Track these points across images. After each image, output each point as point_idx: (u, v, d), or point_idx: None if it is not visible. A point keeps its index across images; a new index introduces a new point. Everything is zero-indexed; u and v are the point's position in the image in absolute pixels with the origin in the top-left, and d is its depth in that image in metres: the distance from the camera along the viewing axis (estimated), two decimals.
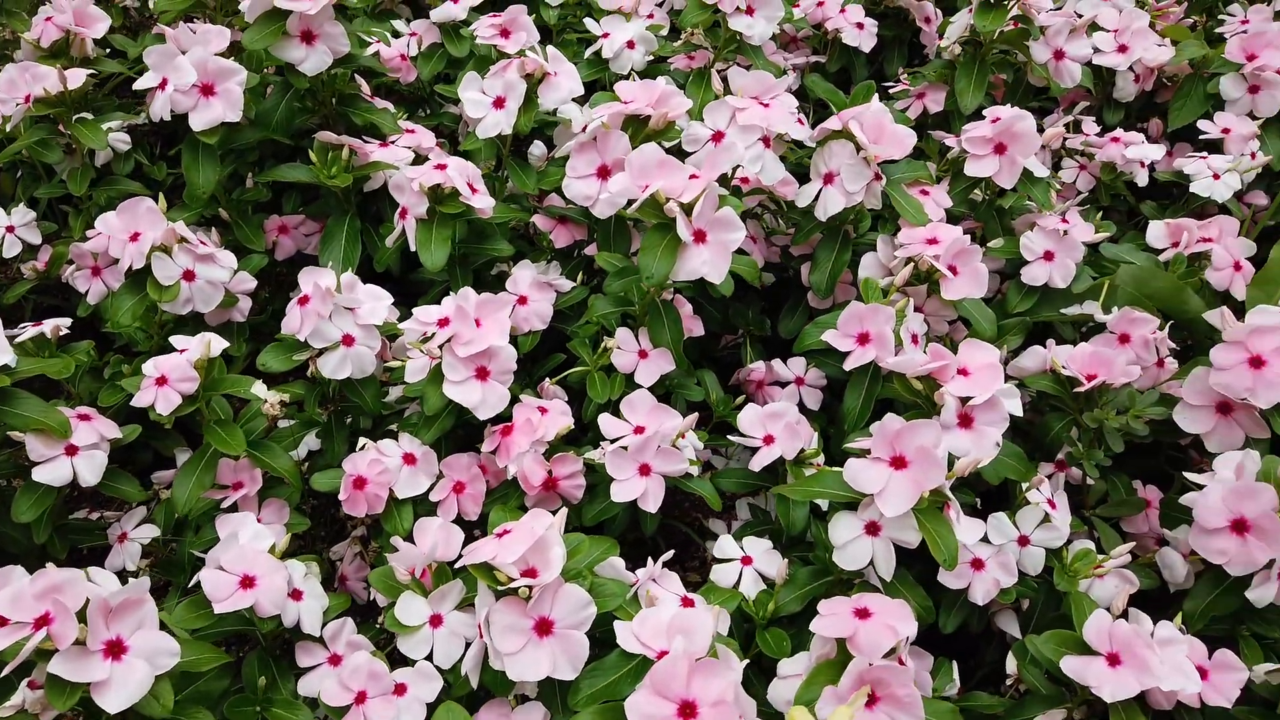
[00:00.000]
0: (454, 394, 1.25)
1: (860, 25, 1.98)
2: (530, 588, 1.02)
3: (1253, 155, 1.87)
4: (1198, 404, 1.35)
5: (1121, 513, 1.45)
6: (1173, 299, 1.58)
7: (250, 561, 1.14)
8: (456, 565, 1.10)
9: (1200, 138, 1.90)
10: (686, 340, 1.51)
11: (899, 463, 1.10)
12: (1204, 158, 1.83)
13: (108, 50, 1.80)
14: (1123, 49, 1.94)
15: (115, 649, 0.96)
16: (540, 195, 1.68)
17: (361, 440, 1.31)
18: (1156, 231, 1.71)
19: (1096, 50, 1.92)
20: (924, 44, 2.13)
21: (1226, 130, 1.88)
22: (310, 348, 1.33)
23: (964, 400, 1.23)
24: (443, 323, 1.28)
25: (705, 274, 1.24)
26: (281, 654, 1.24)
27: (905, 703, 0.99)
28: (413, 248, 1.46)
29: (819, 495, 1.16)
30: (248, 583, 1.13)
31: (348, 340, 1.33)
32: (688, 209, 1.23)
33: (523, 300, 1.48)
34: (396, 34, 1.91)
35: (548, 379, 1.42)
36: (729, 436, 1.35)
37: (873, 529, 1.12)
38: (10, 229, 1.65)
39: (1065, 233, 1.55)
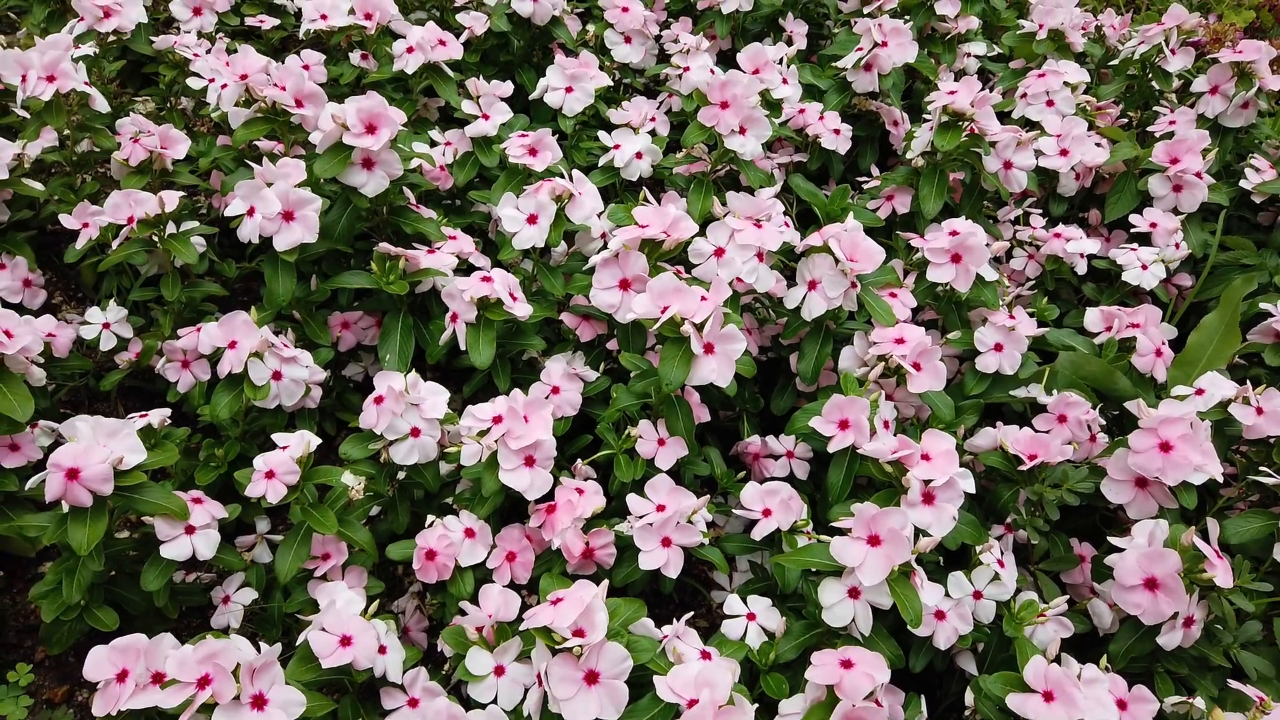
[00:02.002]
0: (508, 480, 1.51)
1: (837, 131, 2.27)
2: (582, 647, 1.29)
3: (1177, 245, 2.17)
4: (1120, 479, 1.64)
5: (1060, 568, 1.73)
6: (1105, 380, 1.88)
7: (347, 624, 1.40)
8: (519, 627, 1.36)
9: (1131, 230, 2.20)
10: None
11: (874, 540, 1.37)
12: (1134, 249, 2.13)
13: None
14: (1064, 152, 2.24)
15: (259, 702, 1.21)
16: (565, 296, 1.95)
17: (430, 518, 1.57)
18: (1092, 317, 2.00)
19: (1040, 154, 2.22)
20: (892, 143, 2.42)
21: (1154, 225, 2.18)
22: (383, 439, 1.59)
23: (926, 481, 1.51)
24: (496, 420, 1.54)
25: (713, 379, 1.52)
26: (365, 697, 1.49)
27: None
28: (462, 347, 1.73)
29: (810, 564, 1.43)
30: (346, 641, 1.38)
31: (415, 432, 1.59)
32: (699, 327, 1.51)
33: (555, 390, 1.75)
34: (433, 143, 2.17)
35: (580, 460, 1.68)
36: (734, 511, 1.62)
37: (854, 593, 1.40)
38: (106, 325, 1.90)
39: (1012, 328, 1.83)
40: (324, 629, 1.39)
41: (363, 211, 1.88)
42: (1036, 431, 1.68)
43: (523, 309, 1.72)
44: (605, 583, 1.35)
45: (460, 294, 1.71)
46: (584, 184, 1.85)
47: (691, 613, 1.46)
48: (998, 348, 1.85)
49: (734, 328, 1.53)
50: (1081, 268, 2.16)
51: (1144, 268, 2.09)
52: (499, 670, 1.41)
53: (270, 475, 1.47)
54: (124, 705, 1.20)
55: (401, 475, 1.70)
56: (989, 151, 2.05)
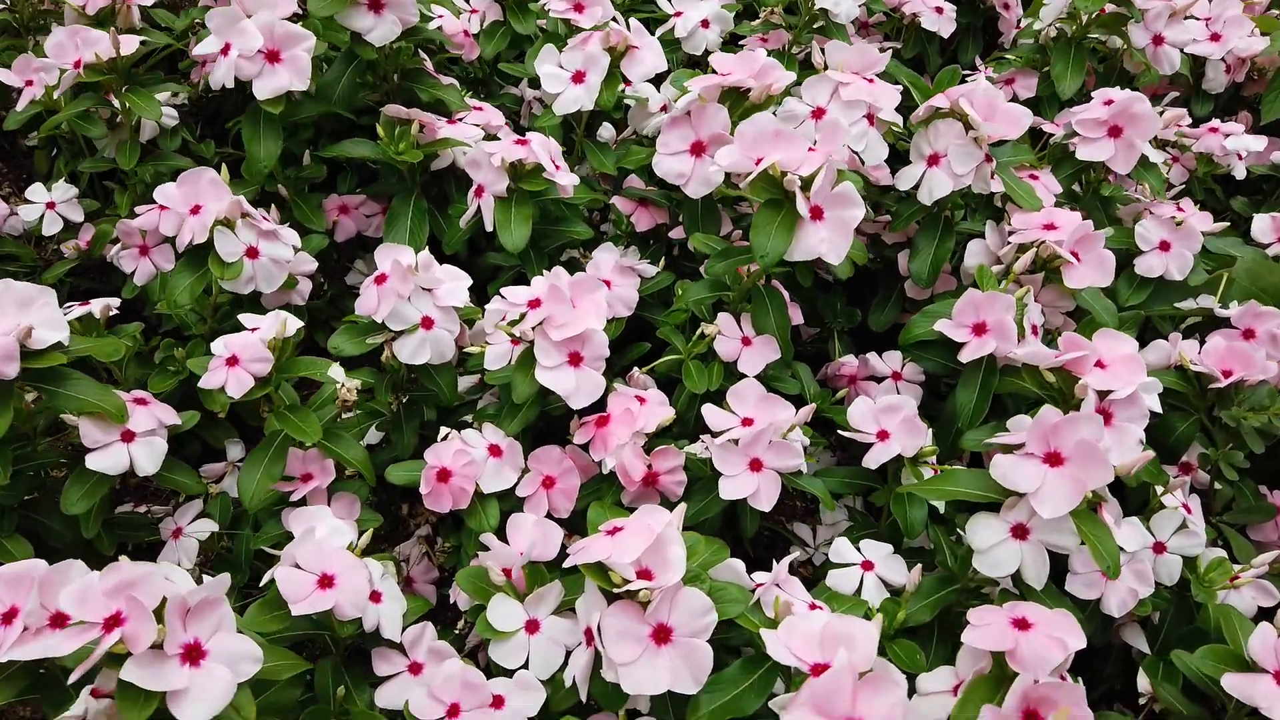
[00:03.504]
0: (547, 380, 1.14)
1: (939, 9, 1.89)
2: (651, 591, 0.92)
3: None
4: None
5: (1250, 520, 1.35)
6: None
7: (329, 560, 1.03)
8: (562, 564, 0.99)
9: None
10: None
11: (1054, 459, 0.99)
12: None
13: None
14: (1215, 38, 1.85)
15: (193, 654, 0.85)
16: (615, 181, 1.58)
17: (444, 430, 1.20)
18: (1262, 224, 1.62)
19: (1192, 39, 1.83)
20: (1000, 31, 2.04)
21: None
22: (386, 330, 1.23)
23: (1102, 395, 1.13)
24: (534, 304, 1.18)
25: (823, 253, 1.14)
26: (353, 661, 1.13)
27: None
28: (489, 227, 1.36)
29: (956, 495, 1.05)
30: (326, 582, 1.02)
31: (427, 323, 1.22)
32: (806, 184, 1.14)
33: (606, 284, 1.38)
34: (456, 11, 1.81)
35: (637, 369, 1.31)
36: (840, 433, 1.24)
37: (1020, 532, 1.02)
38: (51, 205, 1.55)
39: (1180, 222, 1.45)
40: (297, 564, 1.03)
41: (368, 69, 1.52)
42: (1231, 342, 1.30)
43: (566, 178, 1.35)
44: (681, 509, 0.98)
45: (488, 159, 1.34)
46: (643, 35, 1.48)
47: (794, 554, 1.09)
48: (1164, 247, 1.46)
49: (850, 187, 1.16)
50: (1240, 171, 1.77)
51: None
52: (532, 625, 1.05)
53: (233, 362, 1.11)
54: (7, 655, 0.83)
55: (407, 396, 1.34)
56: (1138, 19, 1.66)
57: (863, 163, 1.50)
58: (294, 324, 1.14)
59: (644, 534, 0.95)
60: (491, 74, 1.86)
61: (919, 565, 1.08)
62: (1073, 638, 0.91)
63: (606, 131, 1.69)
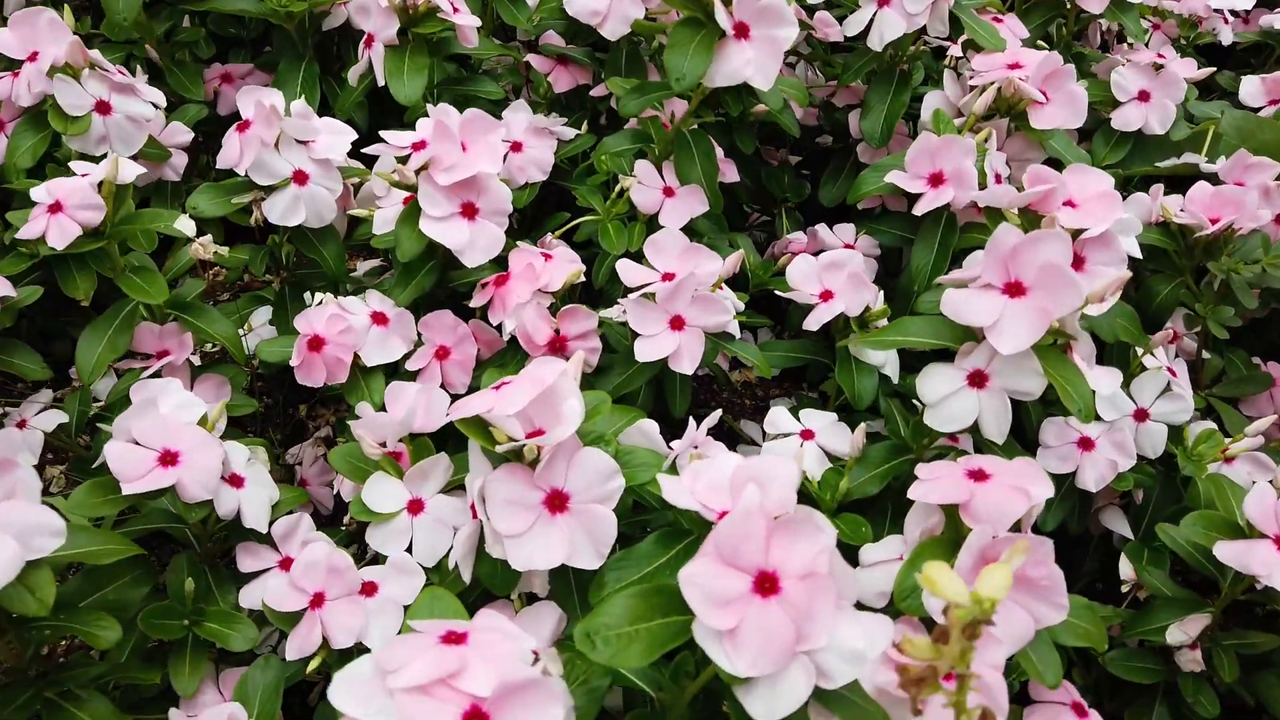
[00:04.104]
0: (434, 232, 0.99)
1: None
2: (539, 448, 0.77)
3: None
4: None
5: (1243, 391, 1.21)
6: None
7: (173, 434, 0.88)
8: (450, 423, 0.84)
9: None
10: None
11: (1015, 289, 0.84)
12: None
13: None
14: None
15: None
16: (533, 42, 1.41)
17: (318, 295, 1.04)
18: (1251, 88, 1.47)
19: None
20: None
21: None
22: (254, 188, 1.06)
23: (1074, 236, 0.98)
24: (418, 146, 1.01)
25: (749, 76, 0.99)
26: (223, 561, 0.98)
27: (1043, 586, 0.75)
28: (380, 80, 1.19)
29: (905, 343, 0.91)
30: (169, 459, 0.86)
31: (300, 178, 1.06)
32: None
33: (517, 147, 1.22)
34: None
35: (550, 234, 1.16)
36: (778, 293, 1.09)
37: (978, 380, 0.87)
38: None
39: (1161, 68, 1.30)
40: (134, 439, 0.87)
41: None
42: (1218, 188, 1.15)
43: (467, 19, 1.18)
44: (579, 357, 0.83)
45: (375, 2, 1.17)
46: None
47: (718, 412, 0.94)
48: (1143, 97, 1.31)
49: (780, 2, 0.99)
50: (1227, 35, 1.62)
51: None
52: (415, 505, 0.90)
53: (56, 209, 0.94)
54: None
55: (293, 265, 1.18)
56: None
57: (810, 16, 1.35)
58: (131, 169, 0.97)
59: (533, 385, 0.79)
60: None
61: (862, 426, 0.93)
62: (1037, 486, 0.76)
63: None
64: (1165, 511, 1.11)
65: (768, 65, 1.00)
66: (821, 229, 1.31)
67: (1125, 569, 1.05)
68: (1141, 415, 1.07)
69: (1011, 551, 0.61)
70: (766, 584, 0.63)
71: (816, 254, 1.31)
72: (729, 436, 1.39)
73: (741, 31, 0.99)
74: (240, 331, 1.32)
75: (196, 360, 1.11)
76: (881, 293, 1.11)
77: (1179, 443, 1.09)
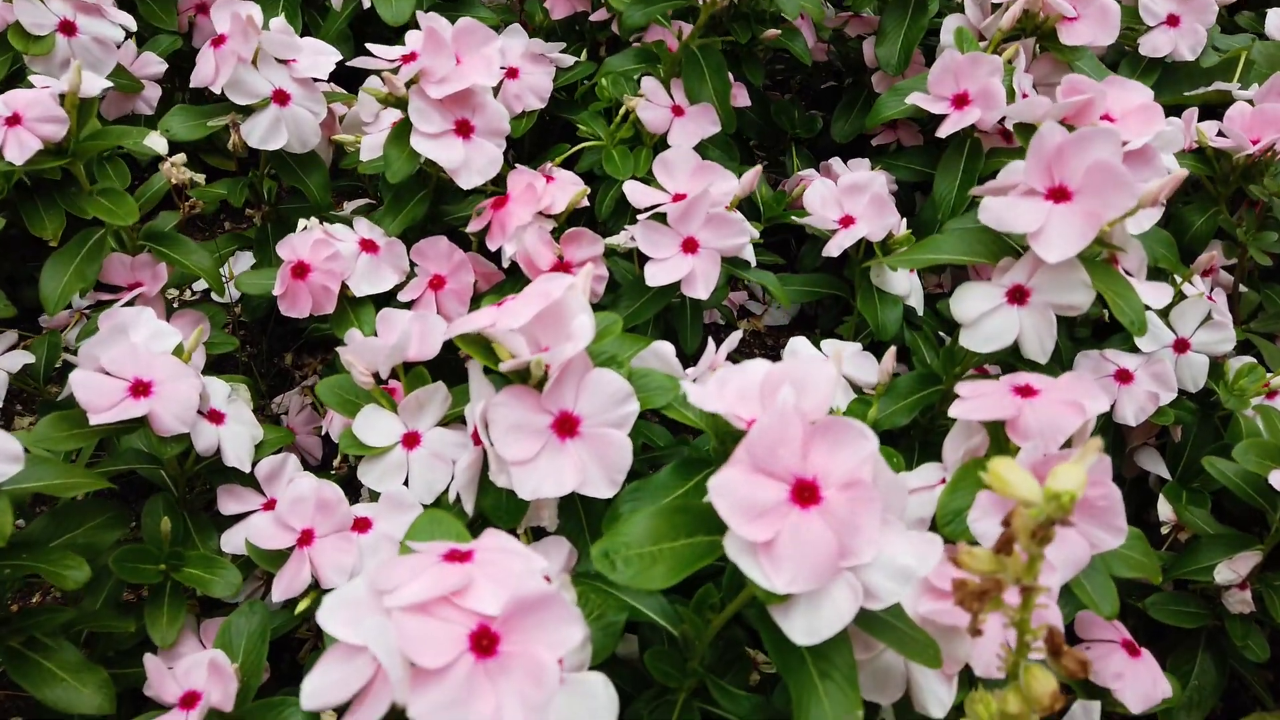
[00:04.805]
0: (426, 148, 0.91)
1: None
2: (545, 366, 0.70)
3: None
4: None
5: None
6: None
7: (145, 363, 0.81)
8: (446, 355, 0.77)
9: None
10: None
11: (1060, 194, 0.78)
12: None
13: None
14: None
15: None
16: None
17: (303, 221, 0.97)
18: (1277, 19, 1.40)
19: None
20: None
21: None
22: (231, 109, 0.99)
23: None
24: (408, 58, 0.94)
25: None
26: (204, 508, 0.91)
27: (1101, 508, 0.69)
28: (366, 3, 1.12)
29: (936, 260, 0.84)
30: (141, 389, 0.79)
31: (281, 97, 0.98)
32: None
33: (513, 73, 1.15)
34: None
35: (550, 163, 1.08)
36: (794, 219, 1.03)
37: (1018, 296, 0.81)
38: None
39: None
40: (102, 367, 0.80)
41: None
42: (1260, 105, 1.09)
43: None
44: (589, 267, 0.76)
45: None
46: None
47: (738, 332, 0.87)
48: (1171, 21, 1.24)
49: None
50: None
51: None
52: (410, 439, 0.83)
53: (14, 121, 0.87)
54: None
55: (275, 199, 1.10)
56: None
57: None
58: (97, 82, 0.90)
59: (539, 299, 0.72)
60: None
61: (891, 350, 0.86)
62: (1091, 400, 0.70)
63: None
64: (1205, 450, 1.05)
65: None
66: (835, 163, 1.25)
67: (1165, 510, 0.99)
68: (1182, 346, 1.00)
69: (1085, 449, 0.55)
70: (806, 493, 0.56)
71: None
72: None
73: None
74: (222, 273, 1.25)
75: (174, 297, 1.04)
76: (903, 221, 1.05)
77: (1219, 378, 1.03)
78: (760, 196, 1.16)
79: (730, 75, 1.12)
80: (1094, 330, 1.15)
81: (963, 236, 0.84)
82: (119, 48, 1.09)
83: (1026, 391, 0.72)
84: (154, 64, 1.19)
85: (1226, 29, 1.63)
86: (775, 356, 1.39)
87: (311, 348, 1.27)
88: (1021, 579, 0.51)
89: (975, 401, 0.72)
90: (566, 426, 0.71)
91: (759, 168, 0.94)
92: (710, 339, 0.91)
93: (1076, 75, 0.94)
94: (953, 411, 0.72)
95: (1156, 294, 0.92)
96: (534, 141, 1.19)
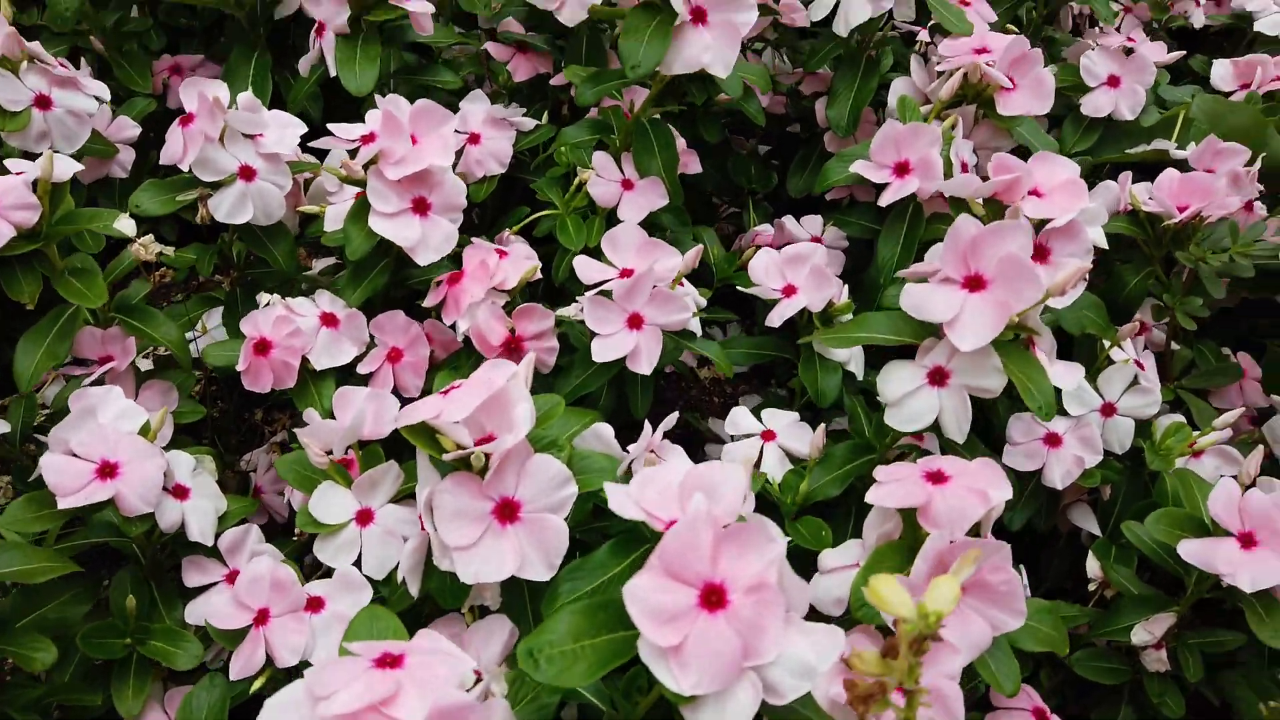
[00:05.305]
0: (383, 228, 0.96)
1: None
2: (487, 455, 0.74)
3: None
4: None
5: (1213, 383, 1.20)
6: (1253, 137, 1.31)
7: (112, 444, 0.85)
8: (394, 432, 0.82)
9: None
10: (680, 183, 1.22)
11: (975, 283, 0.82)
12: None
13: None
14: None
15: None
16: (493, 30, 1.38)
17: (265, 296, 1.01)
18: (1222, 71, 1.45)
19: None
20: None
21: None
22: (199, 185, 1.03)
23: (1038, 227, 0.96)
24: (367, 139, 0.98)
25: (707, 63, 0.96)
26: (170, 575, 0.95)
27: (1001, 592, 0.73)
28: (332, 72, 1.16)
29: (863, 340, 0.88)
30: (108, 471, 0.84)
31: (247, 173, 1.02)
32: None
33: (474, 139, 1.19)
34: None
35: (508, 230, 1.13)
36: (739, 288, 1.07)
37: (938, 377, 0.85)
38: None
39: (1131, 52, 1.28)
40: (71, 450, 0.84)
41: None
42: (1187, 174, 1.13)
43: (421, 5, 1.14)
44: (530, 359, 0.80)
45: None
46: None
47: (674, 415, 0.91)
48: (1112, 82, 1.29)
49: None
50: (1198, 18, 1.61)
51: None
52: (364, 516, 0.87)
53: None
54: None
55: (244, 264, 1.14)
56: None
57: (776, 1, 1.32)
58: (68, 166, 0.94)
59: (482, 388, 0.77)
60: None
61: (821, 427, 0.91)
62: (995, 488, 0.74)
63: None
64: (1133, 507, 1.09)
65: (726, 52, 0.97)
66: (788, 221, 1.29)
67: (1092, 567, 1.04)
68: (1109, 410, 1.05)
69: (961, 562, 0.59)
70: (713, 597, 0.60)
71: (782, 247, 1.30)
72: (696, 434, 1.37)
73: (699, 16, 0.97)
74: (194, 333, 1.29)
75: (148, 363, 1.08)
76: (846, 287, 1.09)
77: (1147, 437, 1.08)
78: (712, 257, 1.20)
79: (682, 143, 1.16)
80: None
81: (891, 317, 0.88)
82: (93, 117, 1.13)
83: (938, 478, 0.77)
84: (128, 128, 1.23)
85: (1175, 77, 1.68)
86: (732, 405, 1.43)
87: (282, 405, 1.32)
88: (904, 683, 0.56)
89: (889, 488, 0.77)
90: (507, 512, 0.75)
91: (699, 247, 0.98)
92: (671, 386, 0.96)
93: (1004, 155, 0.98)
94: (869, 497, 0.77)
95: (1069, 374, 0.96)
96: (496, 203, 1.24)
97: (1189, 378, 1.19)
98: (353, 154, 0.99)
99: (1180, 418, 1.10)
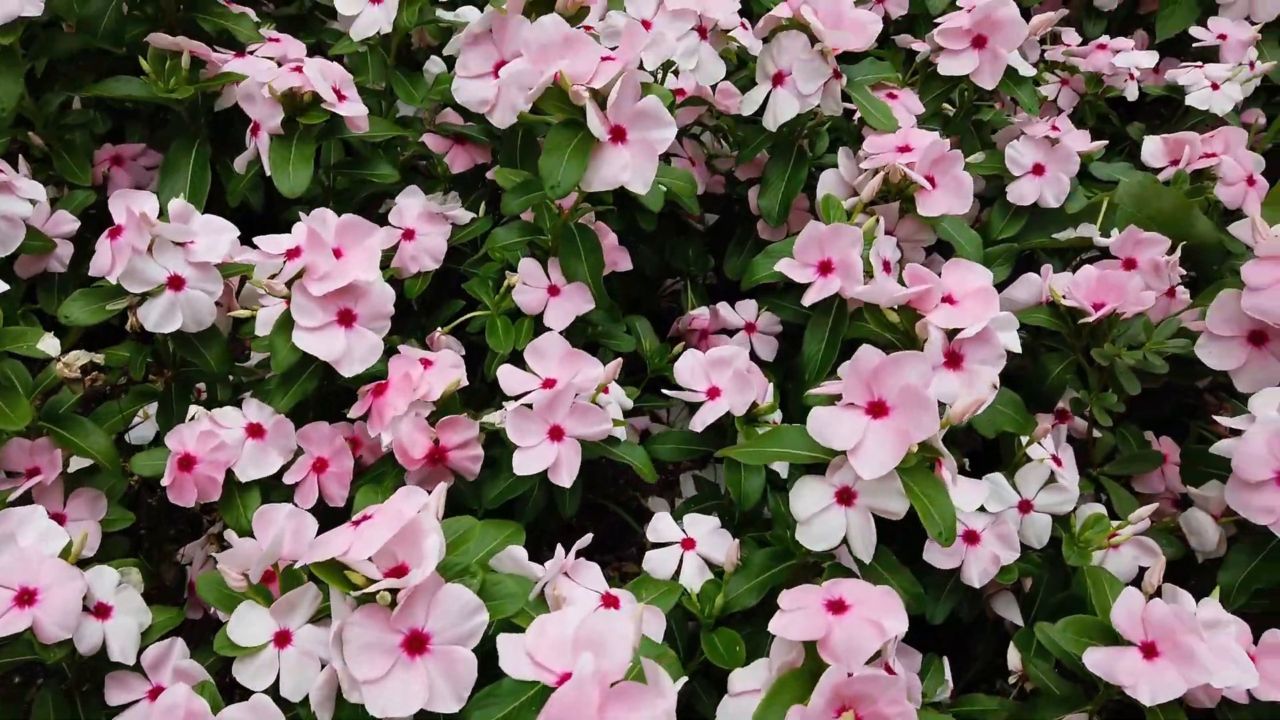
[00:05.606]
0: (307, 343, 0.97)
1: None
2: (394, 591, 0.76)
3: (1251, 65, 1.65)
4: (1225, 334, 1.12)
5: (1135, 470, 1.22)
6: (1178, 220, 1.35)
7: (33, 569, 0.86)
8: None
9: (1194, 45, 1.68)
10: (614, 280, 1.25)
11: (878, 409, 0.84)
12: (1199, 67, 1.61)
13: None
14: None
15: None
16: (434, 117, 1.40)
17: (192, 409, 1.02)
18: (1152, 148, 1.48)
19: None
20: None
21: (1222, 36, 1.66)
22: (128, 294, 1.04)
23: (951, 335, 0.99)
24: (292, 254, 1.00)
25: (626, 181, 0.98)
26: (95, 692, 0.96)
27: None
28: (268, 172, 1.17)
29: (777, 457, 0.91)
30: (26, 598, 0.85)
31: (176, 283, 1.04)
32: (601, 98, 0.97)
33: (409, 234, 1.21)
34: None
35: (439, 330, 1.14)
36: (664, 392, 1.09)
37: (846, 497, 0.87)
38: None
39: (1056, 141, 1.31)
40: None
41: None
42: (1103, 271, 1.16)
43: (354, 108, 1.16)
44: (441, 489, 0.82)
45: (259, 90, 1.15)
46: None
47: (589, 537, 0.93)
48: (1037, 170, 1.32)
49: (656, 102, 0.99)
50: (1132, 92, 1.64)
51: (1214, 88, 1.57)
52: (282, 638, 0.88)
53: None
54: None
55: (179, 361, 1.15)
56: None
57: (713, 90, 1.34)
58: None
59: (392, 521, 0.78)
60: (313, 7, 1.66)
61: (736, 541, 0.93)
62: (891, 620, 0.76)
63: (436, 66, 1.51)
64: (1054, 598, 1.12)
65: (644, 169, 0.99)
66: (722, 308, 1.31)
67: (1013, 659, 1.06)
68: (1026, 507, 1.07)
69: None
70: None
71: (718, 332, 1.32)
72: (637, 514, 1.39)
73: (618, 135, 0.99)
74: (138, 418, 1.30)
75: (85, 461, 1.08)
76: (771, 386, 1.11)
77: (1067, 528, 1.10)
78: (645, 350, 1.22)
79: (612, 239, 1.19)
80: (974, 460, 1.23)
81: (803, 432, 0.90)
82: (28, 218, 1.14)
83: (839, 607, 0.79)
84: (67, 222, 1.24)
85: (1115, 143, 1.72)
86: (673, 483, 1.45)
87: None
88: None
89: (791, 617, 0.79)
90: (416, 644, 0.76)
91: (618, 361, 1.00)
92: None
93: (916, 266, 1.01)
94: (771, 626, 0.79)
95: (973, 494, 0.99)
96: (433, 291, 1.25)
97: (1111, 465, 1.22)
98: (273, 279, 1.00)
99: (1101, 508, 1.13)
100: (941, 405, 0.94)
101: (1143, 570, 1.08)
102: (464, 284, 1.17)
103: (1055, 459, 1.10)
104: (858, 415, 0.84)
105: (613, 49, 1.06)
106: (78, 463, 1.07)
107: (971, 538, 1.05)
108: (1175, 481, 1.23)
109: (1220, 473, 1.08)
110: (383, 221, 1.28)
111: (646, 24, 1.19)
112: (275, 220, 1.36)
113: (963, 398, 0.84)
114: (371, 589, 0.76)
